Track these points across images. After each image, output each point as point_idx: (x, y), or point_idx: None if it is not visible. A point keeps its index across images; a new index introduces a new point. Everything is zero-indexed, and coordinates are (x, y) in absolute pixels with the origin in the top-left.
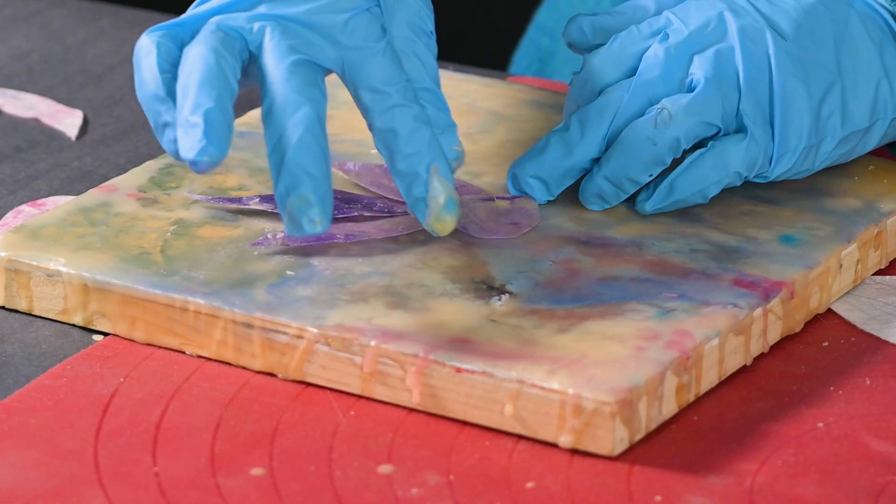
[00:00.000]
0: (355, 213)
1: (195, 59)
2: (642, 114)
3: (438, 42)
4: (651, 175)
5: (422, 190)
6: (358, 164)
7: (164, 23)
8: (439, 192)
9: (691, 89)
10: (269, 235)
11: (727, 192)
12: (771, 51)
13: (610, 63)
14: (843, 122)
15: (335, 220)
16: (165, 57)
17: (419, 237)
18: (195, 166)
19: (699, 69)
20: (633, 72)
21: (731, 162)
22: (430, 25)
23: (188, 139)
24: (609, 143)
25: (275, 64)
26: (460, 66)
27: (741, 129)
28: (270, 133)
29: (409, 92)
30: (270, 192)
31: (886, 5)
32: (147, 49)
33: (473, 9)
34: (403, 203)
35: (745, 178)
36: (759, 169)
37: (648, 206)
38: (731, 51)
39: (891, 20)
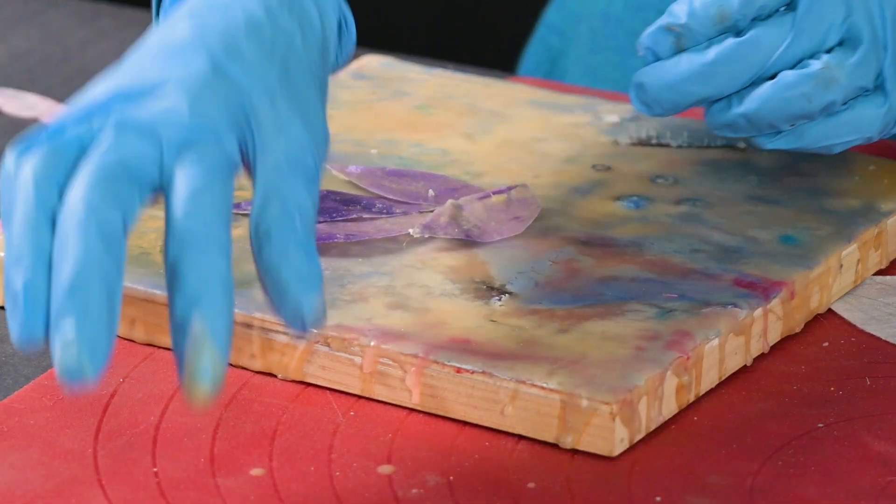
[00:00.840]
0: (354, 215)
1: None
2: (798, 59)
3: (443, 42)
4: (793, 125)
5: (181, 338)
6: (360, 168)
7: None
8: (194, 357)
9: (847, 39)
10: None
11: (727, 192)
12: None
13: None
14: None
15: (335, 220)
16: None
17: (419, 237)
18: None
19: (863, 21)
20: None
21: (866, 125)
22: (312, 160)
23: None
24: (754, 80)
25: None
26: (460, 66)
27: (880, 88)
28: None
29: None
30: None
31: None
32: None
33: (476, 9)
34: (403, 203)
35: (873, 140)
36: (890, 130)
37: (769, 145)
38: (878, 7)
39: None
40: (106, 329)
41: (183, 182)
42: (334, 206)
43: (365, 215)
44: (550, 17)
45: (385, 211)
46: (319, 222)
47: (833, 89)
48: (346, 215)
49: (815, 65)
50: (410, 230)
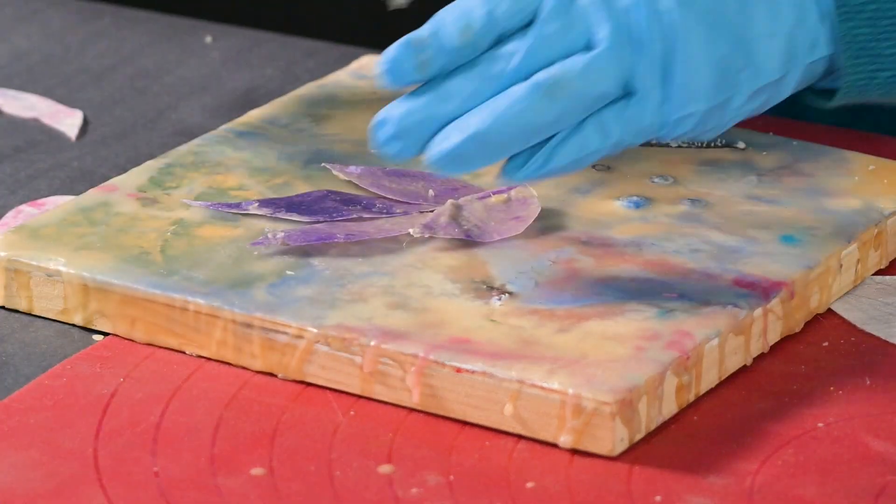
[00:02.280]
0: (354, 215)
1: None
2: (533, 71)
3: None
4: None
5: None
6: (360, 168)
7: None
8: None
9: (591, 47)
10: (269, 235)
11: (727, 192)
12: (673, 4)
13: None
14: (754, 76)
15: (335, 220)
16: None
17: (419, 237)
18: None
19: (602, 27)
20: (532, 17)
21: (612, 131)
22: None
23: None
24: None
25: None
26: None
27: (632, 92)
28: None
29: None
30: (270, 194)
31: None
32: None
33: None
34: (403, 203)
35: (631, 145)
36: (652, 134)
37: (520, 176)
38: (635, 5)
39: None
40: None
41: None
42: (334, 206)
43: (365, 215)
44: None
45: (385, 211)
46: (319, 222)
47: (560, 98)
48: (346, 215)
49: (541, 75)
50: (410, 230)
